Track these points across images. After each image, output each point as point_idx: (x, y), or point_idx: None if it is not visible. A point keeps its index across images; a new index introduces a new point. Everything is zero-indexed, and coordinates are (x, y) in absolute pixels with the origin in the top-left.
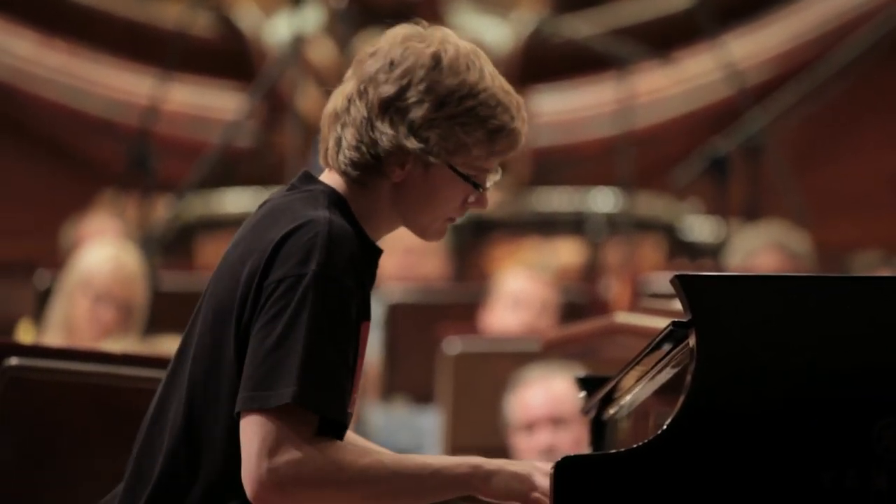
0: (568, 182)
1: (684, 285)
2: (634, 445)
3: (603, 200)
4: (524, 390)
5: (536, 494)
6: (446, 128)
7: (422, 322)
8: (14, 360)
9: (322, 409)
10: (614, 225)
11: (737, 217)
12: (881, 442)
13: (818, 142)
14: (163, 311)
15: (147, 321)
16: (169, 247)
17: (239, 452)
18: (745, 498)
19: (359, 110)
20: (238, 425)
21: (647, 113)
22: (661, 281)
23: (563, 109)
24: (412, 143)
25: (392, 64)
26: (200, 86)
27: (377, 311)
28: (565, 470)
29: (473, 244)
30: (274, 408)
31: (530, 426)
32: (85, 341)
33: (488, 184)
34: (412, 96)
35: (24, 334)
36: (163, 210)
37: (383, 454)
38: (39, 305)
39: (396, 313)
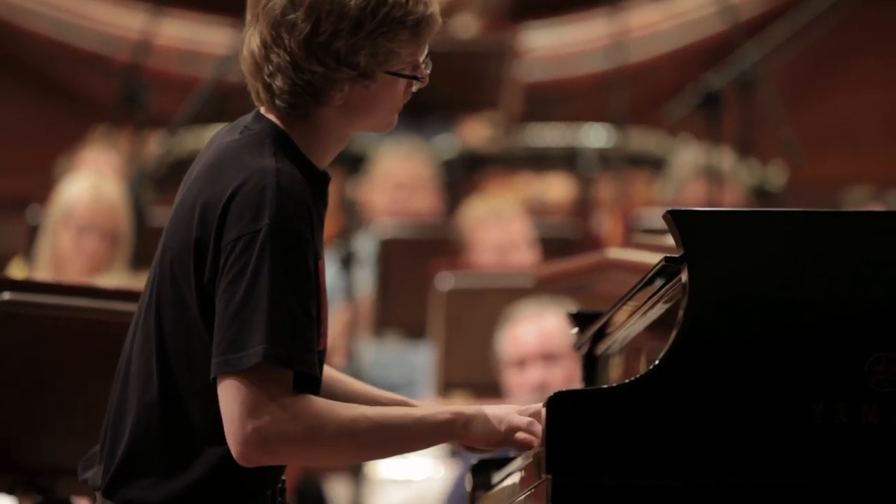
0: (560, 118)
1: (676, 220)
2: (627, 380)
3: (595, 136)
4: (516, 326)
5: (521, 434)
6: (371, 44)
7: (414, 257)
8: (6, 296)
9: (294, 364)
10: (606, 160)
11: (729, 152)
12: (872, 376)
13: (810, 77)
14: (154, 247)
15: (139, 256)
16: (161, 182)
17: (214, 405)
18: (737, 432)
19: (280, 57)
20: (213, 387)
21: (639, 48)
22: (654, 216)
23: (556, 44)
24: (345, 73)
25: (293, 2)
26: (192, 20)
27: (369, 247)
28: (558, 405)
29: (465, 179)
30: (248, 369)
31: (522, 362)
32: (72, 275)
33: (426, 70)
34: (327, 29)
35: (17, 271)
36: (155, 145)
37: (364, 407)
38: (31, 241)
39: (389, 249)
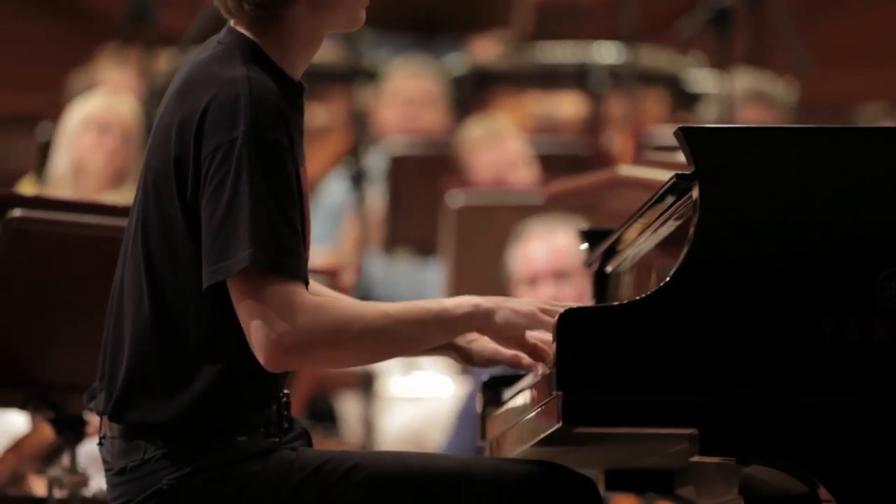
0: (571, 35)
1: (687, 137)
2: (637, 297)
3: (606, 53)
4: (527, 244)
5: (532, 339)
6: None
7: (424, 175)
8: (17, 212)
9: (280, 267)
10: (617, 77)
11: (740, 69)
12: (883, 292)
13: None
14: None
15: None
16: None
17: (207, 320)
18: (747, 348)
19: None
20: (206, 301)
21: None
22: (665, 133)
23: None
24: None
25: None
26: None
27: (380, 164)
28: (568, 322)
29: (475, 97)
30: (243, 274)
31: (533, 280)
32: (92, 180)
33: None
34: None
35: (28, 189)
36: (165, 63)
37: (383, 304)
38: (42, 158)
39: (399, 166)
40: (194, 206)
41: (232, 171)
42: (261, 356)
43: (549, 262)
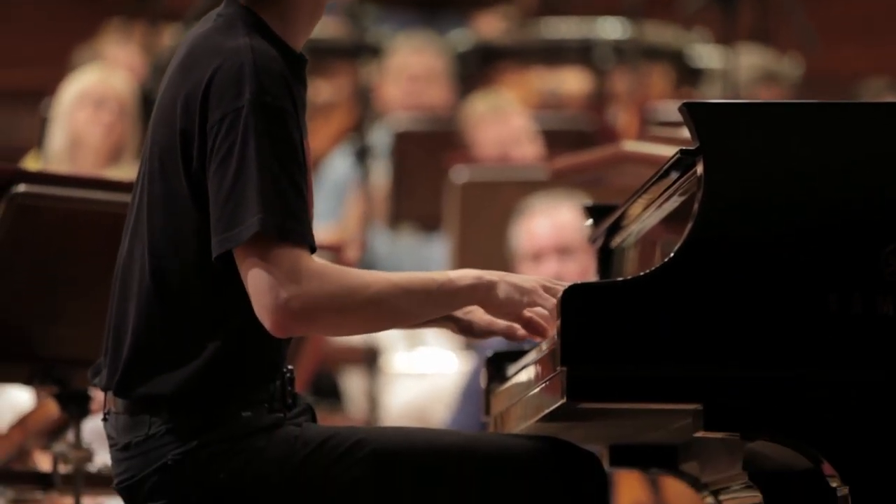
0: (575, 11)
1: (692, 113)
2: (641, 273)
3: (611, 28)
4: (530, 220)
5: (528, 313)
6: None
7: (429, 150)
8: (22, 187)
9: (290, 234)
10: (622, 53)
11: (745, 44)
12: (888, 267)
13: None
14: None
15: None
16: None
17: (210, 293)
18: (752, 324)
19: None
20: (210, 275)
21: None
22: (669, 109)
23: None
24: None
25: None
26: None
27: (384, 140)
28: (572, 298)
29: (479, 73)
30: (251, 242)
31: (537, 256)
32: (89, 154)
33: None
34: None
35: (33, 164)
36: (169, 39)
37: (389, 273)
38: (46, 133)
39: (403, 142)
40: (200, 178)
41: (239, 139)
42: (266, 321)
43: (553, 237)
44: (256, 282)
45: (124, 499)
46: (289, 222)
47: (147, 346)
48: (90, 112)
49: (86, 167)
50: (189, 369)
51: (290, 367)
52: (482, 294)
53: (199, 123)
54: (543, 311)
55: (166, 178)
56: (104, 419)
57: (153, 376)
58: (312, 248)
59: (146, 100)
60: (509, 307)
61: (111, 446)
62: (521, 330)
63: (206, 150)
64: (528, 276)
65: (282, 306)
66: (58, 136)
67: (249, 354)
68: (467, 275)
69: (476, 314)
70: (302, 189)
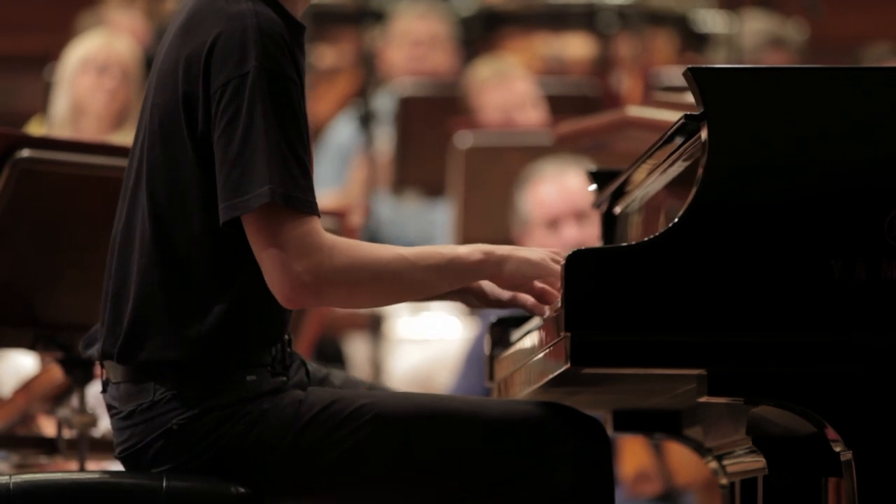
0: None
1: (697, 78)
2: (646, 238)
3: None
4: (539, 186)
5: (539, 284)
6: None
7: (433, 116)
8: (25, 153)
9: (297, 203)
10: (626, 18)
11: (749, 9)
12: (892, 232)
13: None
14: None
15: None
16: None
17: (214, 260)
18: (756, 289)
19: None
20: (213, 239)
21: None
22: (674, 74)
23: None
24: None
25: None
26: None
27: (388, 105)
28: (576, 263)
29: (483, 37)
30: (260, 211)
31: (554, 222)
32: (92, 120)
33: None
34: None
35: (36, 129)
36: (173, 4)
37: (398, 247)
38: (49, 99)
39: (407, 107)
40: (205, 142)
41: (245, 105)
42: (279, 293)
43: (567, 202)
44: (268, 254)
45: (127, 467)
46: (297, 192)
47: (150, 312)
48: (94, 77)
49: (89, 132)
50: (192, 333)
51: (289, 334)
52: (492, 269)
53: (203, 88)
54: (556, 284)
55: (168, 143)
56: (103, 390)
57: (157, 342)
58: (319, 219)
59: (149, 65)
60: (519, 280)
61: (113, 415)
62: (531, 300)
63: (210, 114)
64: (537, 249)
65: (294, 279)
66: (61, 102)
67: (254, 318)
68: (476, 250)
69: (487, 285)
70: (304, 159)
